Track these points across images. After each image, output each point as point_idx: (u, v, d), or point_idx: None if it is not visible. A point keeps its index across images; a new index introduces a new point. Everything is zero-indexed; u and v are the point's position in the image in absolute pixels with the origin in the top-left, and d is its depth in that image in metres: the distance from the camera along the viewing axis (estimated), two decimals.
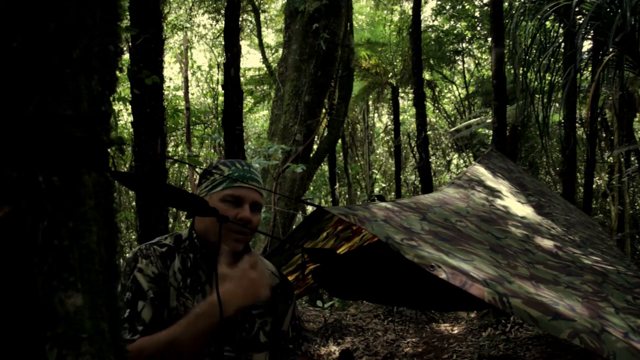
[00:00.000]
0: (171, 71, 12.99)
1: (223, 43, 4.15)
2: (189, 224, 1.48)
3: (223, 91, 3.67)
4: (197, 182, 1.52)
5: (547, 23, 5.51)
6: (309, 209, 12.07)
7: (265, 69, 11.84)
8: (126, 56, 4.79)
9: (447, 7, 11.33)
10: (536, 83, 5.44)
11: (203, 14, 12.31)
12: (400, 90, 12.24)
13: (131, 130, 3.45)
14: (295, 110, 6.18)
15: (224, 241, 1.31)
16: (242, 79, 8.63)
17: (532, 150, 9.70)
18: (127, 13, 3.19)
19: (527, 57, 5.50)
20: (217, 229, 1.28)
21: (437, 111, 13.83)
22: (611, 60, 5.17)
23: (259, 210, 1.40)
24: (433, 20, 12.55)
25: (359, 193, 15.52)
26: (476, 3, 11.31)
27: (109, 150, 0.61)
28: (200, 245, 1.37)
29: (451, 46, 11.81)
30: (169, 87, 11.85)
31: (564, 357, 4.76)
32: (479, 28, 11.43)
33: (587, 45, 5.84)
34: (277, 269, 1.58)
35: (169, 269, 1.32)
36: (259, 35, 11.61)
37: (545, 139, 6.25)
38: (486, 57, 12.43)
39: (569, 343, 1.31)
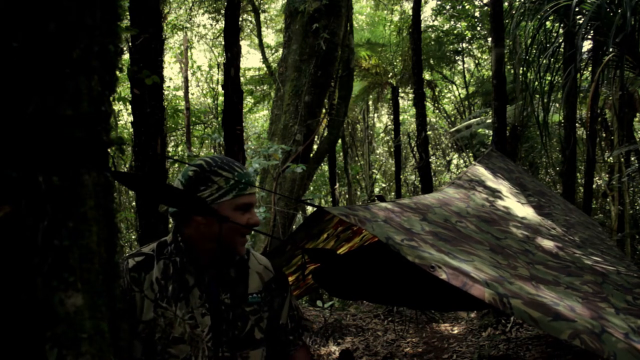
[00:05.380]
0: (171, 71, 13.00)
1: (223, 43, 4.14)
2: None
3: (223, 91, 3.66)
4: None
5: (547, 23, 5.50)
6: (309, 209, 12.07)
7: (265, 69, 11.85)
8: (126, 56, 4.79)
9: (447, 7, 11.33)
10: (536, 83, 5.43)
11: (203, 14, 12.31)
12: (400, 90, 12.24)
13: (131, 130, 3.45)
14: (295, 110, 6.18)
15: (236, 247, 1.34)
16: (242, 79, 8.62)
17: (532, 150, 9.69)
18: (127, 13, 3.18)
19: (527, 57, 5.50)
20: (217, 232, 1.28)
21: (437, 111, 13.83)
22: (611, 60, 5.16)
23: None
24: (433, 20, 12.55)
25: (359, 193, 15.52)
26: (476, 3, 11.31)
27: (109, 150, 0.61)
28: (186, 249, 1.34)
29: (451, 46, 11.81)
30: (169, 87, 11.86)
31: (564, 357, 4.75)
32: (479, 28, 11.43)
33: (587, 45, 5.84)
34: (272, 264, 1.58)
35: (143, 282, 1.29)
36: (259, 35, 11.61)
37: (545, 139, 6.24)
38: (486, 57, 12.43)
39: (569, 343, 1.30)
